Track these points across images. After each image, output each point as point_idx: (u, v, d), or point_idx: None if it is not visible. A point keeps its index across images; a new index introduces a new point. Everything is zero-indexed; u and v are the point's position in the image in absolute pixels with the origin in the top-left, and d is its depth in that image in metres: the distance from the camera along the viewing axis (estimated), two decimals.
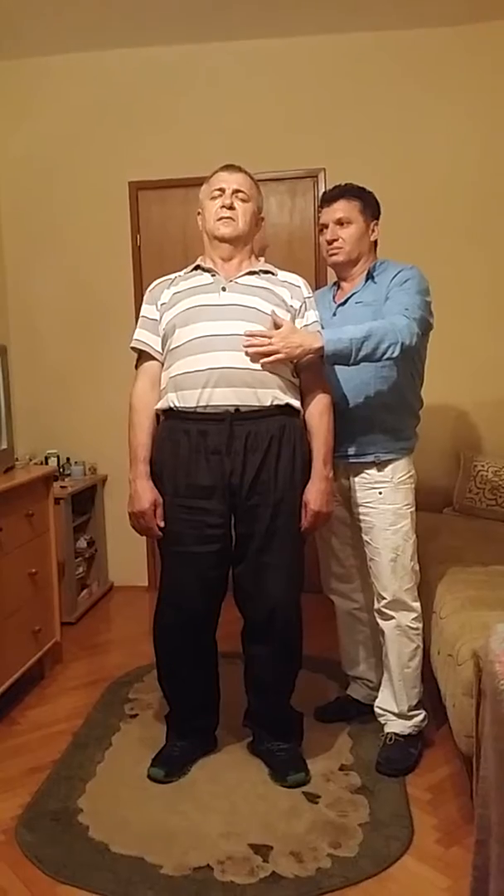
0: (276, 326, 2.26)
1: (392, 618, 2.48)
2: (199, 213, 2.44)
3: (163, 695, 2.57)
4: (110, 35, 3.95)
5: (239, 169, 2.39)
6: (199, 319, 2.26)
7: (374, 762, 2.45)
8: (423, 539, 2.56)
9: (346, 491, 2.56)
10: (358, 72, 3.98)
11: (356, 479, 2.52)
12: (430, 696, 2.56)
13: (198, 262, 2.42)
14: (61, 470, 4.16)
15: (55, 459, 4.17)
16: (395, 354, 2.29)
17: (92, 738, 2.70)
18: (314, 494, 2.31)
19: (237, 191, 2.34)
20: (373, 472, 2.49)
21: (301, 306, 2.36)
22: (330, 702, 2.83)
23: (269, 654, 2.39)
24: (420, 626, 2.51)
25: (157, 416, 2.39)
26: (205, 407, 2.24)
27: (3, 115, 4.25)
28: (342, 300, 2.54)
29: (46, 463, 4.11)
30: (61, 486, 3.87)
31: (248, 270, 2.36)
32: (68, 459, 4.25)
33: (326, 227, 2.53)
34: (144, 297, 2.46)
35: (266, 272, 2.39)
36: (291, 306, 2.33)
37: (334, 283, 2.68)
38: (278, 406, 2.27)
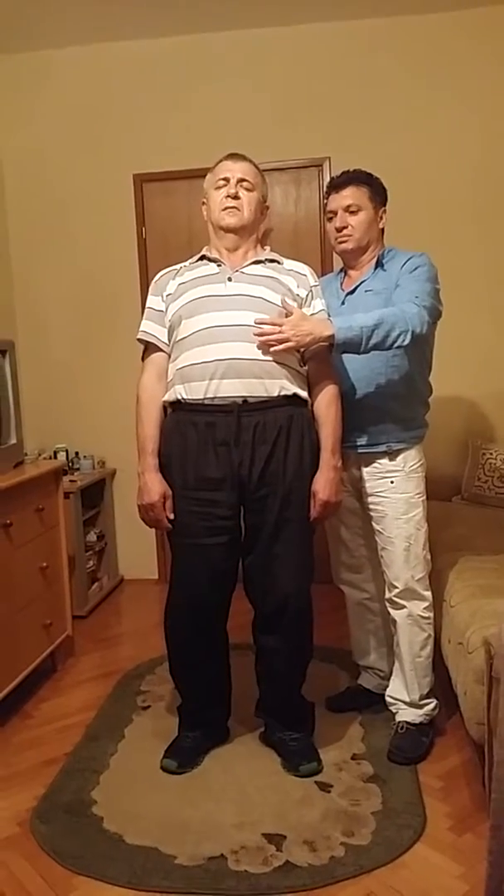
0: (287, 315, 2.25)
1: (404, 607, 2.48)
2: (203, 203, 2.43)
3: (174, 686, 2.58)
4: (113, 28, 3.94)
5: (243, 158, 2.38)
6: (205, 310, 2.25)
7: (385, 751, 2.45)
8: (433, 528, 2.56)
9: (356, 481, 2.55)
10: (362, 59, 3.95)
11: (367, 468, 2.51)
12: (441, 684, 2.56)
13: (203, 252, 2.41)
14: (70, 464, 4.16)
15: (64, 454, 4.18)
16: (406, 342, 2.27)
17: (105, 730, 2.71)
18: (323, 484, 2.31)
19: (242, 180, 2.33)
20: (384, 461, 2.48)
21: (308, 295, 2.35)
22: (341, 691, 2.84)
23: (280, 645, 2.39)
24: (431, 615, 2.50)
25: (165, 408, 2.38)
26: (212, 398, 2.23)
27: (8, 109, 4.25)
28: (350, 288, 2.53)
29: (55, 457, 4.12)
30: (70, 481, 3.88)
31: (253, 260, 2.35)
32: (77, 453, 4.26)
33: (335, 214, 2.49)
34: (150, 289, 2.45)
35: (272, 261, 2.38)
36: (298, 295, 2.32)
37: (340, 270, 2.66)
38: (286, 396, 2.26)
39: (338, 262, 2.70)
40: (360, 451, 2.49)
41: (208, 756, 2.49)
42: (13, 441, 3.12)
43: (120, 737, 2.66)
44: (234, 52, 4.04)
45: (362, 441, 2.48)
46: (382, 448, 2.47)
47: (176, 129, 4.10)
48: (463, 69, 3.90)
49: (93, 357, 4.33)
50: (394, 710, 2.56)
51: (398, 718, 2.53)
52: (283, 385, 2.25)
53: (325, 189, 2.65)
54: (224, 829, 2.12)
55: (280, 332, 2.19)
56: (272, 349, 2.20)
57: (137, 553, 4.42)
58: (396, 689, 2.55)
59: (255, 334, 2.20)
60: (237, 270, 2.32)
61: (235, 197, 2.32)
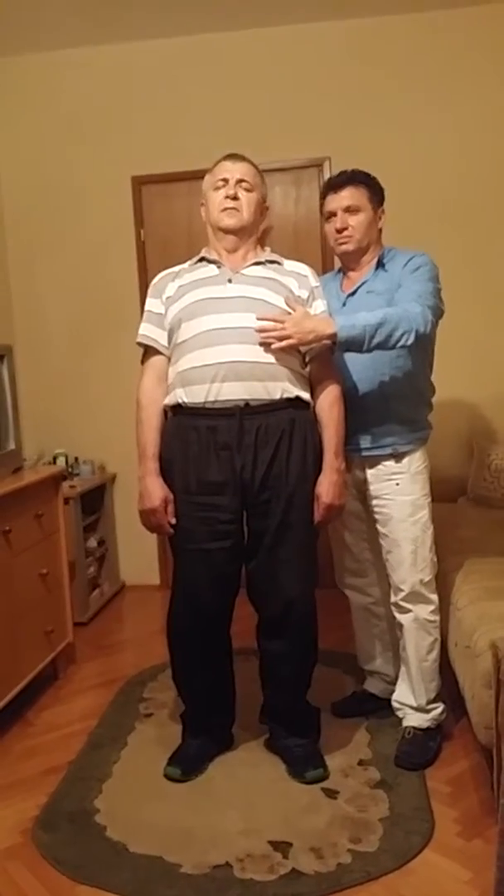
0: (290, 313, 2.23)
1: (410, 611, 2.45)
2: (202, 205, 2.41)
3: (177, 693, 2.56)
4: (111, 29, 3.93)
5: (243, 158, 2.36)
6: (205, 312, 2.23)
7: (392, 756, 2.43)
8: (439, 530, 2.54)
9: (360, 483, 2.52)
10: (362, 58, 3.94)
11: (371, 470, 2.48)
12: (448, 688, 2.54)
13: (202, 253, 2.39)
14: (70, 469, 4.14)
15: (63, 459, 4.16)
16: (410, 342, 2.25)
17: (107, 738, 2.69)
18: (326, 487, 2.28)
19: (241, 180, 2.31)
20: (390, 463, 2.46)
21: (309, 296, 2.33)
22: (347, 697, 2.81)
23: (284, 650, 2.37)
24: (438, 618, 2.48)
25: (165, 411, 2.36)
26: (213, 402, 2.21)
27: (5, 111, 4.24)
28: (351, 290, 2.50)
29: (55, 463, 4.10)
30: (70, 486, 3.86)
31: (254, 261, 2.33)
32: (76, 459, 4.24)
33: (334, 214, 2.46)
34: (149, 291, 2.42)
35: (272, 262, 2.36)
36: (299, 296, 2.30)
37: (338, 271, 2.64)
38: (288, 399, 2.24)
39: (338, 263, 2.68)
40: (363, 453, 2.47)
41: (213, 763, 2.46)
42: (12, 446, 3.10)
43: (123, 745, 2.63)
44: (233, 53, 4.02)
45: (367, 443, 2.46)
46: (388, 450, 2.44)
47: (174, 130, 4.09)
48: (465, 67, 3.88)
49: (91, 361, 4.32)
50: (400, 715, 2.53)
51: (405, 723, 2.50)
52: (284, 388, 2.23)
53: (321, 189, 2.62)
54: (229, 837, 2.10)
55: (282, 329, 2.17)
56: (274, 346, 2.18)
57: (139, 559, 4.39)
58: (403, 694, 2.52)
59: (257, 330, 2.18)
60: (237, 272, 2.30)
61: (234, 198, 2.30)
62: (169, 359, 2.34)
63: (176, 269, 2.41)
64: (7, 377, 3.06)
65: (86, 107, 4.17)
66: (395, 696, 2.56)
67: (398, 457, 2.45)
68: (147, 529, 2.39)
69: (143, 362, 2.42)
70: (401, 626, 2.49)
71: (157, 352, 2.36)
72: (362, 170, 2.50)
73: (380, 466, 2.47)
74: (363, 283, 2.48)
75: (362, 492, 2.53)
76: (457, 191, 3.94)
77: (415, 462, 2.46)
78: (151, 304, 2.39)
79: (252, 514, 2.28)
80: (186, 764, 2.42)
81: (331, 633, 2.77)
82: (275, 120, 4.00)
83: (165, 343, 2.34)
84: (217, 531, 2.27)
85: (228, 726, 2.55)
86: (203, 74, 4.05)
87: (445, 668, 2.52)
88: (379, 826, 2.12)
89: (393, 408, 2.43)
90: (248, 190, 2.32)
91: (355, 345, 2.24)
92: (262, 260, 2.34)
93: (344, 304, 2.49)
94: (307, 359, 2.32)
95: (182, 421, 2.28)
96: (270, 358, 2.20)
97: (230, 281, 2.28)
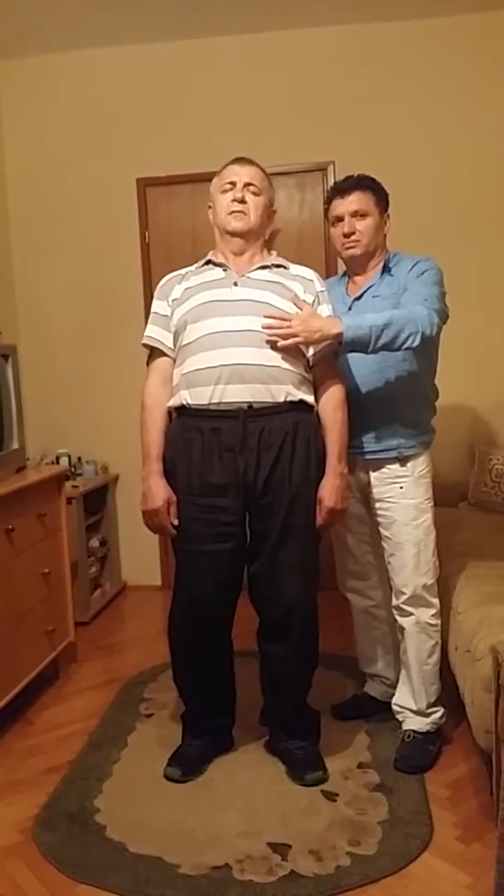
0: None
1: (411, 614, 2.46)
2: (209, 207, 2.42)
3: (178, 694, 2.56)
4: (116, 32, 3.94)
5: (250, 162, 2.37)
6: (211, 315, 2.24)
7: (392, 760, 2.43)
8: (440, 534, 2.54)
9: (364, 486, 2.53)
10: (366, 63, 3.95)
11: (375, 473, 2.49)
12: (448, 692, 2.54)
13: (209, 256, 2.40)
14: (73, 469, 4.15)
15: (66, 459, 4.16)
16: (416, 344, 2.26)
17: (107, 738, 2.69)
18: (329, 490, 2.29)
19: (249, 184, 2.32)
20: (394, 466, 2.46)
21: (314, 300, 2.33)
22: (347, 699, 2.82)
23: (285, 653, 2.37)
24: (439, 622, 2.48)
25: (170, 413, 2.37)
26: (218, 404, 2.21)
27: (12, 113, 4.25)
28: (357, 294, 2.51)
29: (58, 462, 4.11)
30: (73, 486, 3.86)
31: (260, 265, 2.34)
32: (79, 459, 4.24)
33: (341, 219, 2.47)
34: (155, 293, 2.44)
35: (278, 266, 2.36)
36: (304, 301, 2.30)
37: (343, 275, 2.64)
38: (292, 402, 2.25)
39: (342, 267, 2.68)
40: (367, 456, 2.47)
41: (212, 764, 2.46)
42: (15, 446, 3.10)
43: (123, 745, 2.64)
44: (239, 56, 4.04)
45: (371, 446, 2.46)
46: (393, 453, 2.45)
47: (179, 132, 4.10)
48: (468, 74, 3.89)
49: (95, 362, 4.32)
50: (400, 719, 2.54)
51: (405, 727, 2.51)
52: (288, 391, 2.24)
53: (326, 194, 2.63)
54: (229, 838, 2.10)
55: (288, 328, 2.17)
56: (280, 344, 2.19)
57: (140, 559, 4.40)
58: (403, 698, 2.53)
59: (264, 326, 2.19)
60: (243, 275, 2.30)
61: (242, 201, 2.31)
62: (174, 361, 2.35)
63: (182, 271, 2.41)
64: (11, 377, 3.07)
65: (91, 109, 4.18)
66: (395, 700, 2.57)
67: (403, 460, 2.45)
68: (150, 530, 2.39)
69: (148, 364, 2.43)
70: (402, 629, 2.49)
71: (163, 353, 2.37)
72: (368, 175, 2.51)
73: (384, 469, 2.47)
74: (369, 288, 2.49)
75: (365, 494, 2.54)
76: (461, 195, 3.94)
77: (419, 466, 2.47)
78: (157, 305, 2.39)
79: (254, 516, 2.29)
80: (186, 765, 2.42)
81: (332, 635, 2.77)
82: (279, 123, 4.01)
83: (171, 345, 2.35)
84: (219, 533, 2.27)
85: (229, 728, 2.55)
86: (208, 78, 4.06)
87: (445, 671, 2.52)
88: (378, 829, 2.12)
89: (398, 410, 2.43)
90: (255, 193, 2.33)
91: (361, 345, 2.24)
92: (269, 264, 2.35)
93: (350, 308, 2.49)
94: (311, 362, 2.32)
95: (186, 422, 2.29)
96: (275, 361, 2.21)
97: (236, 284, 2.28)
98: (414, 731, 2.48)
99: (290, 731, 2.45)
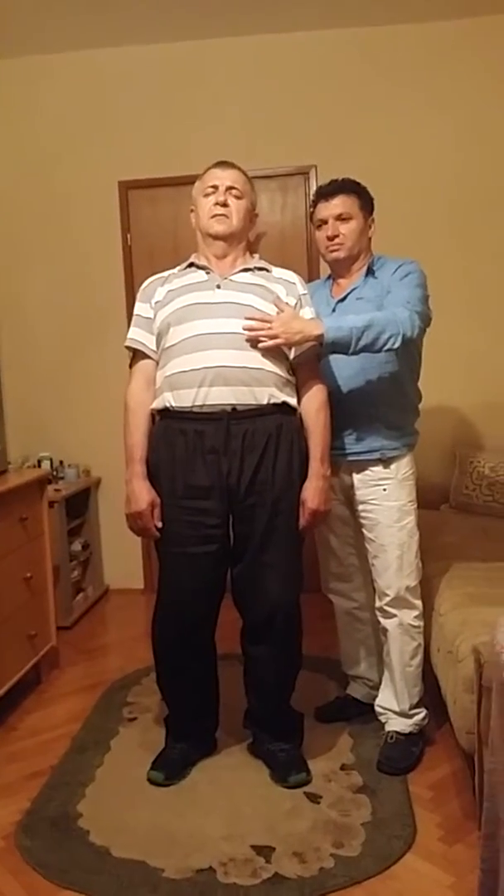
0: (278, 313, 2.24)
1: (394, 616, 2.47)
2: (192, 211, 2.42)
3: (161, 697, 2.55)
4: (98, 34, 3.94)
5: (232, 165, 2.38)
6: (193, 317, 2.24)
7: (375, 761, 2.44)
8: (422, 536, 2.55)
9: (347, 488, 2.54)
10: (349, 68, 3.98)
11: (359, 475, 2.50)
12: (430, 693, 2.55)
13: (191, 259, 2.40)
14: (55, 473, 4.12)
15: (48, 462, 4.15)
16: (397, 346, 2.27)
17: (90, 742, 2.68)
18: (312, 493, 2.29)
19: (231, 187, 2.32)
20: (378, 468, 2.47)
21: (296, 303, 2.34)
22: (330, 701, 2.82)
23: (268, 655, 2.38)
24: (421, 624, 2.49)
25: (153, 415, 2.37)
26: (201, 406, 2.22)
27: None
28: (341, 296, 2.52)
29: (39, 466, 4.09)
30: (55, 490, 3.84)
31: (242, 267, 2.34)
32: (62, 462, 4.23)
33: (325, 222, 2.48)
34: (138, 295, 2.43)
35: (261, 269, 2.37)
36: (287, 303, 2.31)
37: (328, 278, 2.66)
38: (275, 404, 2.25)
39: (325, 270, 2.69)
40: (350, 457, 2.48)
41: (196, 768, 2.46)
42: None
43: (106, 749, 2.62)
44: (221, 60, 4.05)
45: (354, 447, 2.47)
46: (376, 455, 2.46)
47: (162, 135, 4.10)
48: (449, 78, 3.93)
49: (77, 364, 4.31)
50: (383, 720, 2.54)
51: (388, 728, 2.51)
52: (272, 393, 2.24)
53: (311, 198, 2.64)
54: (212, 842, 2.09)
55: (270, 329, 2.18)
56: (261, 346, 2.19)
57: (123, 562, 4.38)
58: (386, 699, 2.53)
59: (245, 328, 2.19)
60: (226, 278, 2.31)
61: (224, 204, 2.31)
62: (157, 363, 2.35)
63: (165, 273, 2.42)
64: None
65: (73, 111, 4.18)
66: (378, 701, 2.57)
67: (386, 462, 2.46)
68: (133, 533, 2.39)
69: (131, 366, 2.43)
70: (385, 631, 2.50)
71: (146, 356, 2.37)
72: (353, 178, 2.52)
73: (367, 471, 2.48)
74: (353, 290, 2.50)
75: (349, 496, 2.55)
76: (443, 199, 3.97)
77: (402, 468, 2.48)
78: (140, 308, 2.39)
79: (238, 518, 2.29)
80: (170, 768, 2.41)
81: (315, 637, 2.78)
82: (261, 127, 4.02)
83: (154, 347, 2.35)
84: (203, 535, 2.27)
85: (212, 731, 2.55)
86: (191, 81, 4.07)
87: (428, 673, 2.53)
88: (361, 831, 2.12)
89: (381, 412, 2.44)
90: (237, 197, 2.33)
91: (342, 346, 2.26)
92: (251, 266, 2.36)
93: (333, 310, 2.51)
94: (294, 364, 2.33)
95: (169, 425, 2.29)
96: (258, 363, 2.22)
97: (219, 287, 2.29)
98: (397, 733, 2.49)
99: (273, 733, 2.45)
